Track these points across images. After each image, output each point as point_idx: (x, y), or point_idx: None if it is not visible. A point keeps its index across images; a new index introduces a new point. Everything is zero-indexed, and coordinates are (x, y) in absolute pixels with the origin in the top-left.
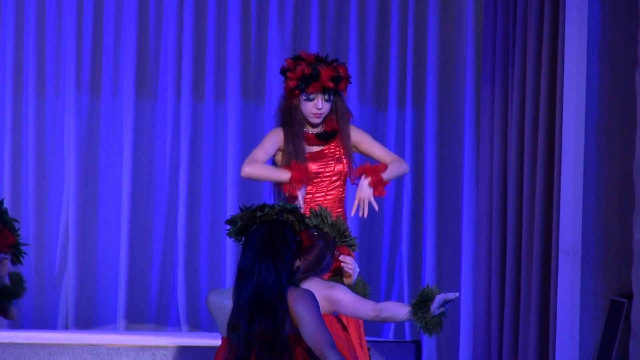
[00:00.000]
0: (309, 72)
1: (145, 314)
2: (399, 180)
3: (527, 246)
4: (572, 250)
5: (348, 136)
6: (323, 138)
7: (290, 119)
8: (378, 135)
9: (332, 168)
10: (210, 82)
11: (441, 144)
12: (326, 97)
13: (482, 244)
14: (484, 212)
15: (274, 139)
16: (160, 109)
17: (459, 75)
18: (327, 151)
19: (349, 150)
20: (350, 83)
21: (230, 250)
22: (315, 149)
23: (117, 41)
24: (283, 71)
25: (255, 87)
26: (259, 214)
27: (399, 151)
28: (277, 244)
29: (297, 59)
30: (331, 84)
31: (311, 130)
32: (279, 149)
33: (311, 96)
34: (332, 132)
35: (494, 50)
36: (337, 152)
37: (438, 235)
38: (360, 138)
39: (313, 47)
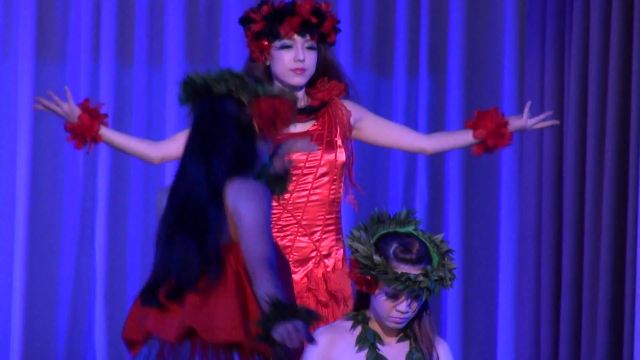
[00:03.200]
0: (281, 7)
1: None
2: (409, 176)
3: (590, 272)
4: None
5: (345, 110)
6: (307, 112)
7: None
8: (381, 112)
9: (319, 156)
10: (141, 41)
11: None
12: (308, 43)
13: (528, 266)
14: (529, 223)
15: None
16: (71, 74)
17: (493, 29)
18: (313, 132)
19: (347, 132)
20: (339, 31)
21: None
22: (297, 129)
23: None
24: (244, 19)
25: (205, 48)
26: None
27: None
28: (209, 127)
29: (261, 3)
30: (313, 19)
31: None
32: None
33: (287, 42)
34: (321, 104)
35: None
36: (328, 135)
37: (465, 253)
38: (361, 113)
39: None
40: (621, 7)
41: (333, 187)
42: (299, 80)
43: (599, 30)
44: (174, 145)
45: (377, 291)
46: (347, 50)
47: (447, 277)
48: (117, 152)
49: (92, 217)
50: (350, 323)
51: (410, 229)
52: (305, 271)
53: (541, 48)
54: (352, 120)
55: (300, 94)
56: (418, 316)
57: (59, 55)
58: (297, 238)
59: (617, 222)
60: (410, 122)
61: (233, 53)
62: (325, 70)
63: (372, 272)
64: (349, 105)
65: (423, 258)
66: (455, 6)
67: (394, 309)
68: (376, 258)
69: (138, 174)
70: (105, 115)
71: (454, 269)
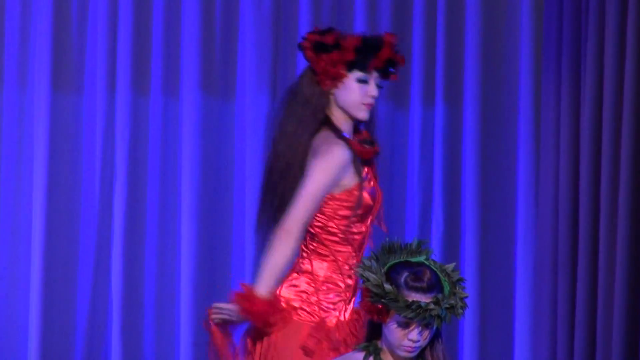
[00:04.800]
0: (371, 40)
1: None
2: (425, 206)
3: (604, 301)
4: None
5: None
6: (370, 143)
7: (327, 115)
8: (397, 142)
9: (380, 198)
10: (157, 71)
11: (485, 155)
12: (378, 80)
13: (544, 297)
14: (546, 255)
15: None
16: (87, 105)
17: (510, 59)
18: (371, 176)
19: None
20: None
21: (187, 299)
22: (363, 170)
23: (26, 17)
24: (318, 46)
25: (220, 78)
26: None
27: (426, 167)
28: None
29: (325, 31)
30: (398, 57)
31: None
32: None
33: (366, 76)
34: (372, 141)
35: (560, 24)
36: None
37: (481, 283)
38: None
39: (303, 23)
40: (636, 32)
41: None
42: (365, 115)
43: (613, 61)
44: None
45: (388, 320)
46: None
47: (459, 306)
48: (132, 183)
49: (108, 238)
50: (362, 354)
51: (421, 258)
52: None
53: (557, 82)
54: None
55: (349, 124)
56: (430, 345)
57: (75, 86)
58: (354, 276)
59: (633, 259)
60: (427, 152)
61: (248, 83)
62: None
63: (383, 301)
64: None
65: (434, 286)
66: (471, 36)
67: (405, 338)
68: (387, 286)
69: (153, 205)
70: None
71: (466, 297)
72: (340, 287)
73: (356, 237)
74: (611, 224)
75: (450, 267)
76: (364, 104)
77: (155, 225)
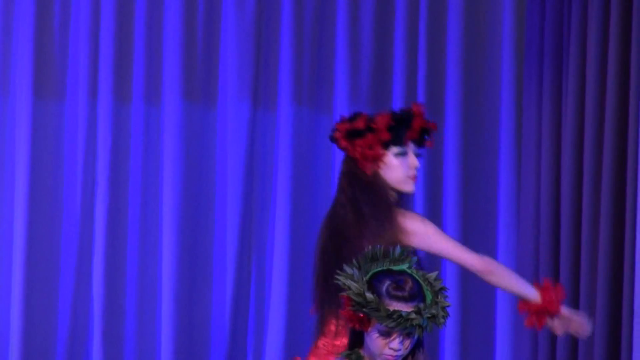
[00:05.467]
0: (401, 115)
1: None
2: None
3: (586, 308)
4: None
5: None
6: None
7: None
8: None
9: None
10: (139, 78)
11: (466, 166)
12: (417, 150)
13: None
14: (526, 263)
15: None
16: (69, 113)
17: (491, 68)
18: None
19: None
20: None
21: (168, 305)
22: None
23: (8, 24)
24: (350, 133)
25: (202, 85)
26: None
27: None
28: None
29: (352, 118)
30: (431, 125)
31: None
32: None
33: (404, 149)
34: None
35: (542, 34)
36: None
37: (462, 289)
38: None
39: (284, 33)
40: (619, 38)
41: None
42: (412, 187)
43: (595, 69)
44: None
45: (370, 329)
46: (345, 88)
47: (440, 315)
48: (114, 190)
49: (90, 255)
50: None
51: (404, 267)
52: None
53: (539, 91)
54: None
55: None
56: (412, 354)
57: (56, 94)
58: None
59: (614, 265)
60: None
61: (230, 90)
62: None
63: (365, 310)
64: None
65: (416, 295)
66: (453, 45)
67: (386, 347)
68: (368, 295)
69: (135, 212)
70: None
71: (448, 306)
72: None
73: None
74: (593, 231)
75: (432, 275)
76: (409, 177)
77: (137, 232)
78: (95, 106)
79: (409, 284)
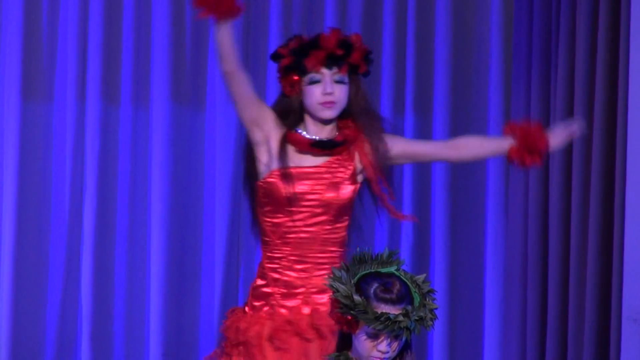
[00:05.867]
0: (307, 40)
1: None
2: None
3: (575, 310)
4: None
5: (377, 150)
6: (321, 146)
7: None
8: None
9: (319, 195)
10: (127, 80)
11: (454, 166)
12: (337, 76)
13: (513, 310)
14: (515, 264)
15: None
16: (57, 115)
17: (480, 68)
18: (324, 171)
19: (379, 168)
20: (371, 61)
21: (157, 308)
22: (309, 162)
23: None
24: (274, 55)
25: (190, 87)
26: None
27: (395, 176)
28: None
29: (290, 38)
30: (339, 51)
31: (306, 133)
32: (261, 134)
33: (315, 76)
34: (343, 141)
35: (530, 34)
36: (339, 175)
37: (450, 293)
38: (402, 141)
39: (273, 33)
40: (607, 40)
41: (327, 227)
42: (329, 113)
43: (583, 69)
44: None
45: (357, 331)
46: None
47: (428, 317)
48: (102, 192)
49: (79, 257)
50: None
51: (392, 269)
52: (292, 306)
53: (527, 92)
54: (394, 152)
55: (330, 127)
56: (400, 356)
57: (44, 96)
58: (285, 272)
59: (602, 264)
60: None
61: (219, 93)
62: (357, 103)
63: (352, 312)
64: (390, 138)
65: (403, 298)
66: (441, 45)
67: (374, 349)
68: (356, 298)
69: (123, 214)
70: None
71: (436, 309)
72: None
73: (273, 227)
74: (582, 233)
75: (421, 278)
76: (320, 104)
77: (125, 234)
78: (83, 108)
79: (396, 287)
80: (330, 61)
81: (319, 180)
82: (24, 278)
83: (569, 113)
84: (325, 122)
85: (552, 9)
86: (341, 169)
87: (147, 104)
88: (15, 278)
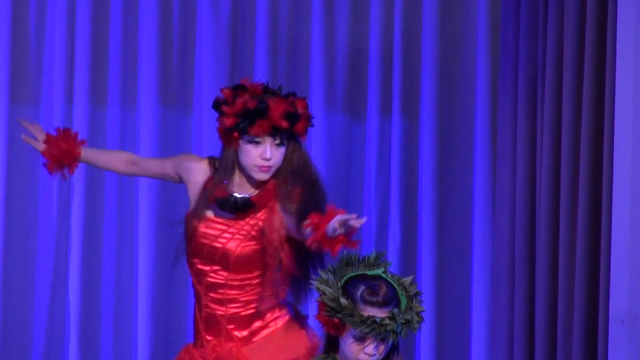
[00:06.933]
0: (254, 106)
1: None
2: (381, 218)
3: (563, 312)
4: (628, 317)
5: (283, 217)
6: (230, 207)
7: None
8: (353, 154)
9: (219, 245)
10: (114, 83)
11: (441, 166)
12: (277, 141)
13: (501, 311)
14: (502, 266)
15: (191, 163)
16: (45, 117)
17: (466, 71)
18: (231, 228)
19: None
20: (312, 126)
21: (145, 311)
22: (224, 214)
23: None
24: (217, 105)
25: (178, 90)
26: None
27: (383, 178)
28: None
29: (237, 88)
30: (284, 123)
31: (230, 185)
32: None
33: (256, 139)
34: (253, 204)
35: (517, 37)
36: (241, 233)
37: (438, 296)
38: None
39: (260, 38)
40: (594, 41)
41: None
42: (263, 176)
43: (571, 72)
44: (156, 164)
45: (344, 333)
46: (320, 92)
47: (415, 320)
48: (90, 195)
49: (66, 259)
50: None
51: (379, 271)
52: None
53: (514, 93)
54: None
55: (255, 183)
56: (387, 358)
57: (32, 98)
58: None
59: (590, 266)
60: (383, 164)
61: (206, 95)
62: (290, 162)
63: (339, 315)
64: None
65: (390, 301)
66: (428, 49)
67: (361, 352)
68: (343, 301)
69: (111, 217)
70: (83, 141)
71: (423, 311)
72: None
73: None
74: (569, 235)
75: (408, 280)
76: (256, 166)
77: (113, 236)
78: (71, 111)
79: (383, 289)
80: (274, 131)
81: (224, 232)
82: (12, 280)
83: (557, 115)
84: (255, 184)
85: (539, 12)
86: (246, 227)
87: (135, 106)
88: (3, 280)
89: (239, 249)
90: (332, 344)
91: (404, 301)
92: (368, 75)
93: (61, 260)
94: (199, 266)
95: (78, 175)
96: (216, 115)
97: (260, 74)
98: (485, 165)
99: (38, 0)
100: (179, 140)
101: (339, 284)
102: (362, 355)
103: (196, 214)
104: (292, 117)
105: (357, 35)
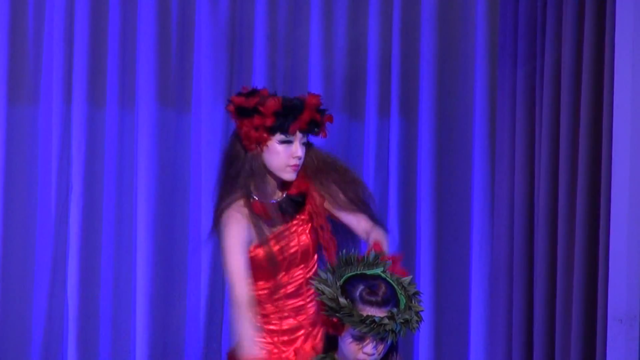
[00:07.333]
0: (291, 103)
1: None
2: (380, 212)
3: (562, 311)
4: (627, 317)
5: (322, 197)
6: (287, 210)
7: (253, 179)
8: (352, 153)
9: (295, 248)
10: (113, 83)
11: (440, 166)
12: (304, 139)
13: (499, 310)
14: (501, 265)
15: (240, 234)
16: (43, 117)
17: (465, 71)
18: (293, 228)
19: (323, 212)
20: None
21: (143, 310)
22: (276, 228)
23: None
24: (241, 110)
25: (176, 89)
26: None
27: (381, 178)
28: None
29: (249, 94)
30: (318, 116)
31: (258, 197)
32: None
33: (290, 137)
34: (301, 195)
35: (515, 37)
36: (302, 225)
37: (436, 296)
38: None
39: (258, 38)
40: (593, 39)
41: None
42: (292, 176)
43: (569, 69)
44: None
45: (343, 333)
46: (319, 92)
47: (414, 320)
48: (88, 195)
49: (65, 259)
50: None
51: (378, 271)
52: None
53: (512, 91)
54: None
55: (276, 184)
56: (386, 357)
57: (30, 98)
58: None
59: (588, 265)
60: (382, 163)
61: (204, 95)
62: (310, 160)
63: (338, 315)
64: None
65: (389, 300)
66: (427, 48)
67: (360, 351)
68: (342, 300)
69: (109, 217)
70: None
71: (422, 311)
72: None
73: (260, 292)
74: (568, 234)
75: (407, 280)
76: (289, 166)
77: (112, 236)
78: (69, 111)
79: (382, 289)
80: (309, 126)
81: (291, 235)
82: (11, 279)
83: (555, 114)
84: (281, 183)
85: (537, 11)
86: (305, 221)
87: (133, 106)
88: (1, 280)
89: (311, 236)
90: (331, 344)
91: (403, 301)
92: (367, 74)
93: (59, 260)
94: (284, 279)
95: (76, 175)
96: (215, 115)
97: (258, 74)
98: (484, 165)
99: (36, 1)
100: (177, 140)
101: (338, 284)
102: (361, 355)
103: (261, 242)
104: (322, 111)
105: (356, 36)
